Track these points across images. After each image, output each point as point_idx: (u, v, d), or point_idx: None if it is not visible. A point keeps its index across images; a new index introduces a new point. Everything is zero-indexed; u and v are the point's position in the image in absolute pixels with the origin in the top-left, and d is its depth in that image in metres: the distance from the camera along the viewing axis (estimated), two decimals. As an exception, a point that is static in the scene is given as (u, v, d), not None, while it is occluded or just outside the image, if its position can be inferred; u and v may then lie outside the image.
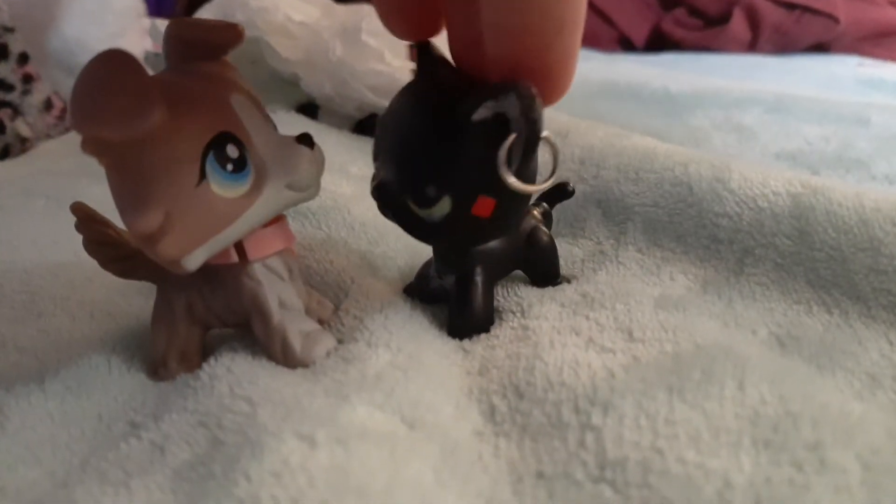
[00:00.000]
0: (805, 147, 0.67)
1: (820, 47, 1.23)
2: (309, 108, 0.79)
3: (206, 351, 0.35)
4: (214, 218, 0.29)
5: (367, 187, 0.56)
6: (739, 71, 1.06)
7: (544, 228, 0.40)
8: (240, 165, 0.29)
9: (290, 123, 0.74)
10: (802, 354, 0.34)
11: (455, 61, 0.32)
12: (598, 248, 0.46)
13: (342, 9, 0.83)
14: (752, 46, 1.25)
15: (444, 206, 0.31)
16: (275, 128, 0.32)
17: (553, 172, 0.32)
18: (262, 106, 0.32)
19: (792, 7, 1.23)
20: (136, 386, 0.33)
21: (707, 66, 1.10)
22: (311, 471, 0.24)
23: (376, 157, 0.34)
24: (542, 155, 0.33)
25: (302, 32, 0.77)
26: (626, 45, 1.34)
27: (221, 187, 0.29)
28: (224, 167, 0.29)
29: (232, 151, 0.29)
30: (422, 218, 0.32)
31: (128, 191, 0.28)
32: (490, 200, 0.32)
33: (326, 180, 0.56)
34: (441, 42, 0.32)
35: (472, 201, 0.32)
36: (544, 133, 0.31)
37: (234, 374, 0.31)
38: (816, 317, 0.37)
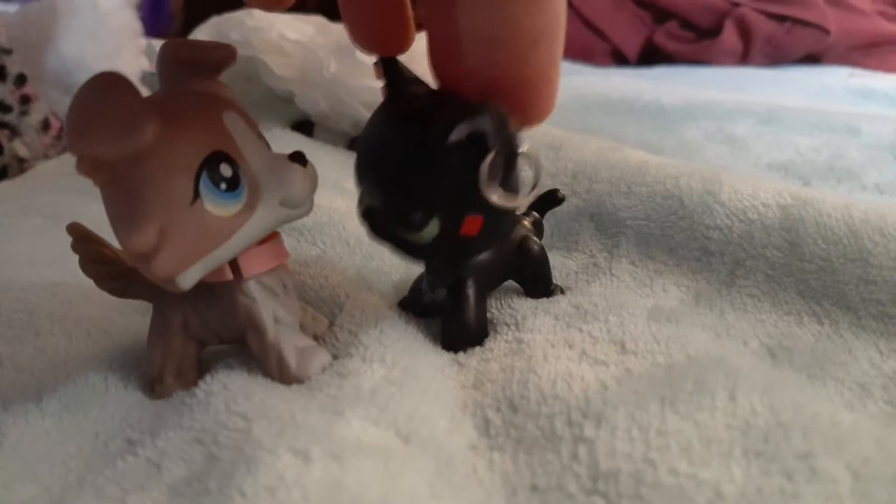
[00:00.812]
0: (796, 158, 0.67)
1: (811, 58, 1.23)
2: (304, 126, 0.80)
3: (203, 367, 0.35)
4: (208, 236, 0.29)
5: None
6: (731, 83, 1.07)
7: (535, 238, 0.40)
8: (233, 184, 0.29)
9: (286, 141, 0.75)
10: (793, 365, 0.35)
11: (435, 75, 0.32)
12: (592, 260, 0.46)
13: (337, 26, 0.83)
14: (744, 58, 1.26)
15: (432, 229, 0.32)
16: (268, 146, 0.32)
17: (535, 185, 0.33)
18: (255, 124, 0.32)
19: (783, 19, 1.24)
20: (133, 403, 0.33)
21: (699, 79, 1.11)
22: (305, 485, 0.24)
23: (360, 181, 0.34)
24: (524, 168, 0.33)
25: (297, 50, 0.78)
26: (619, 58, 1.34)
27: (215, 206, 0.29)
28: (218, 186, 0.29)
29: (225, 170, 0.29)
30: (411, 241, 0.33)
31: (122, 209, 0.28)
32: (477, 218, 0.32)
33: (321, 196, 0.56)
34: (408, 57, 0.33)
35: (460, 222, 0.32)
36: (523, 148, 0.31)
37: (229, 390, 0.32)
38: (807, 327, 0.38)
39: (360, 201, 0.34)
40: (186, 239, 0.29)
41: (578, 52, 1.33)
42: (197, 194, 0.28)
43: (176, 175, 0.28)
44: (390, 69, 0.34)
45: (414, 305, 0.40)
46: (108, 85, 0.26)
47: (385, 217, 0.33)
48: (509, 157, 0.31)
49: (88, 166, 0.27)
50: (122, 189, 0.28)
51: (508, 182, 0.32)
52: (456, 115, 0.30)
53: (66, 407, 0.33)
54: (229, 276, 0.32)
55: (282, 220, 0.32)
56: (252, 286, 0.33)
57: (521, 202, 0.33)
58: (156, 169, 0.27)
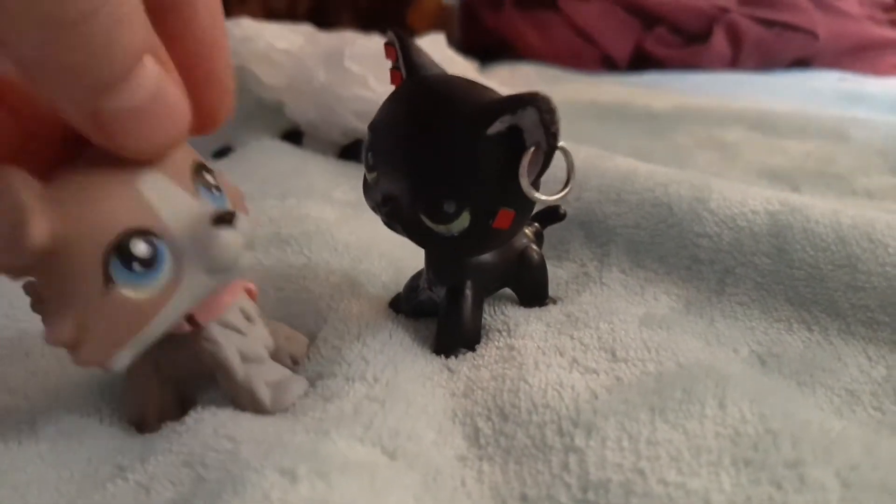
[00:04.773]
0: (786, 163, 0.67)
1: (801, 63, 1.24)
2: (294, 136, 0.80)
3: (191, 397, 0.35)
4: (129, 320, 0.27)
5: (351, 212, 0.57)
6: (722, 88, 1.07)
7: (536, 247, 0.40)
8: (150, 262, 0.27)
9: (275, 151, 0.74)
10: (783, 372, 0.35)
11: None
12: (582, 269, 0.46)
13: (325, 36, 0.83)
14: (734, 63, 1.26)
15: (463, 221, 0.31)
16: (215, 188, 0.30)
17: (569, 180, 0.32)
18: (193, 173, 0.29)
19: (771, 24, 1.25)
20: (124, 430, 0.33)
21: (689, 84, 1.11)
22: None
23: (373, 167, 0.34)
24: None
25: (285, 60, 0.78)
26: (609, 64, 1.35)
27: (132, 289, 0.26)
28: (130, 268, 0.26)
29: (139, 250, 0.26)
30: (435, 231, 0.32)
31: (37, 302, 0.27)
32: (510, 213, 0.32)
33: (310, 206, 0.57)
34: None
35: (494, 215, 0.32)
36: (560, 143, 0.30)
37: (217, 416, 0.31)
38: (797, 334, 0.38)
39: (373, 188, 0.33)
40: (106, 327, 0.27)
41: (568, 59, 1.33)
42: (110, 279, 0.26)
43: (82, 265, 0.26)
44: (404, 50, 0.33)
45: (407, 304, 0.40)
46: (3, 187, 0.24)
47: (408, 205, 0.32)
48: (549, 153, 0.30)
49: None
50: (34, 285, 0.27)
51: (540, 177, 0.32)
52: (497, 107, 0.30)
53: (60, 431, 0.32)
54: (186, 327, 0.31)
55: (212, 287, 0.29)
56: (212, 329, 0.32)
57: (558, 199, 0.32)
58: (59, 262, 0.25)
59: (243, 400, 0.33)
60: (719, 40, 1.26)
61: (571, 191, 0.32)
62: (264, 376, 0.33)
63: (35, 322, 0.42)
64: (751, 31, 1.25)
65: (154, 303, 0.27)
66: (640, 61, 1.33)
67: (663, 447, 0.27)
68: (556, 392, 0.31)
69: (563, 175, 0.32)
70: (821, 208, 0.41)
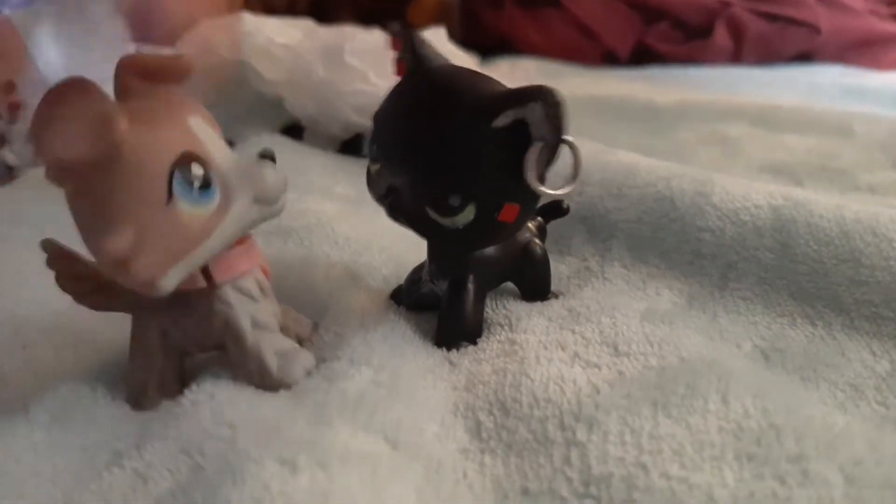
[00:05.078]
0: (789, 158, 0.67)
1: (803, 57, 1.23)
2: (294, 130, 0.79)
3: (188, 376, 0.35)
4: (185, 237, 0.29)
5: (351, 207, 0.56)
6: (724, 83, 1.06)
7: (539, 242, 0.40)
8: (206, 184, 0.29)
9: (276, 145, 0.74)
10: (786, 367, 0.35)
11: None
12: (584, 264, 0.46)
13: (324, 30, 0.83)
14: (736, 58, 1.26)
15: (468, 214, 0.31)
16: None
17: (576, 175, 0.32)
18: (218, 129, 0.32)
19: (774, 18, 1.24)
20: (120, 415, 0.33)
21: (691, 79, 1.11)
22: (291, 496, 0.24)
23: (376, 158, 0.33)
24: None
25: (285, 55, 0.78)
26: (611, 59, 1.34)
27: (190, 206, 0.29)
28: (191, 186, 0.28)
29: (197, 170, 0.29)
30: (439, 223, 0.32)
31: (94, 215, 0.28)
32: (515, 207, 0.32)
33: (310, 200, 0.56)
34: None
35: (499, 209, 0.31)
36: (567, 137, 0.30)
37: (215, 399, 0.31)
38: (800, 329, 0.37)
39: (377, 179, 0.33)
40: (163, 241, 0.28)
41: (569, 53, 1.33)
42: (171, 195, 0.28)
43: (149, 176, 0.28)
44: (411, 41, 0.33)
45: (409, 297, 0.40)
46: (75, 89, 0.26)
47: (412, 197, 0.32)
48: (555, 147, 0.30)
49: (57, 173, 0.27)
50: (94, 194, 0.27)
51: (546, 171, 0.31)
52: (503, 100, 0.30)
53: (55, 420, 0.32)
54: (202, 283, 0.32)
55: (257, 219, 0.32)
56: (227, 291, 0.33)
57: (563, 193, 0.32)
58: (127, 171, 0.27)
59: (250, 366, 0.33)
60: (721, 35, 1.26)
61: (570, 185, 0.32)
62: (273, 345, 0.34)
63: (33, 316, 0.42)
64: (753, 25, 1.24)
65: (207, 223, 0.29)
66: (642, 56, 1.32)
67: (666, 441, 0.27)
68: (557, 386, 0.31)
69: (566, 169, 0.32)
70: (824, 203, 0.41)
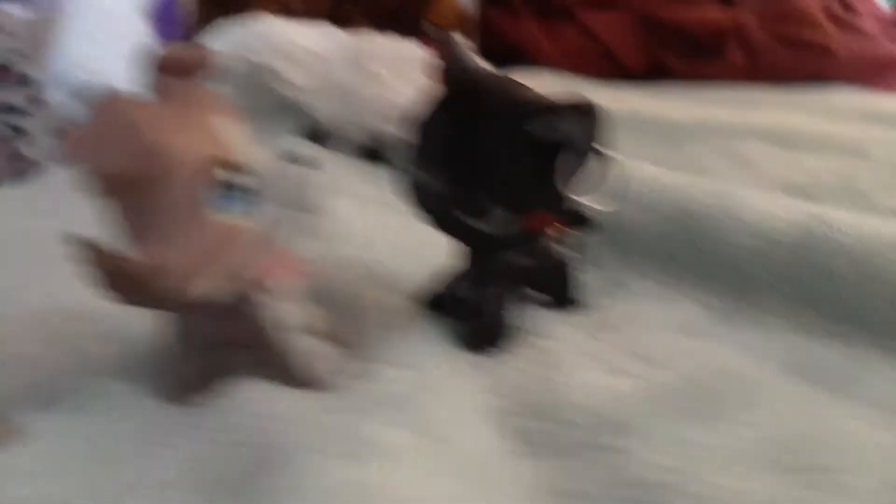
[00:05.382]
0: (808, 179, 0.67)
1: (817, 79, 1.23)
2: (317, 135, 0.80)
3: (221, 373, 0.35)
4: (220, 244, 0.29)
5: (377, 212, 0.57)
6: (737, 102, 1.06)
7: (566, 251, 0.40)
8: (234, 189, 0.29)
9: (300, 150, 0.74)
10: (814, 381, 0.35)
11: None
12: (609, 275, 0.46)
13: (350, 36, 0.83)
14: (749, 77, 1.26)
15: (499, 220, 0.32)
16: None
17: (606, 187, 0.33)
18: (246, 129, 0.32)
19: (788, 40, 1.25)
20: (156, 408, 0.33)
21: (705, 97, 1.11)
22: (347, 485, 0.25)
23: (413, 162, 0.34)
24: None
25: (310, 59, 0.78)
26: (624, 73, 1.34)
27: (223, 212, 0.29)
28: (222, 193, 0.29)
29: (227, 176, 0.29)
30: (473, 228, 0.32)
31: (131, 223, 0.28)
32: (544, 213, 0.32)
33: (336, 205, 0.57)
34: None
35: (530, 216, 0.32)
36: (603, 150, 0.31)
37: (256, 394, 0.32)
38: (828, 346, 0.38)
39: (413, 181, 0.34)
40: (200, 248, 0.29)
41: (583, 66, 1.33)
42: (204, 202, 0.28)
43: (181, 185, 0.28)
44: (450, 47, 0.34)
45: (443, 302, 0.40)
46: (112, 105, 0.26)
47: (446, 201, 0.32)
48: (586, 155, 0.31)
49: (98, 184, 0.27)
50: (130, 204, 0.28)
51: (579, 181, 0.32)
52: (538, 108, 0.30)
53: (91, 411, 0.33)
54: (237, 284, 0.32)
55: (286, 222, 0.32)
56: (264, 293, 0.33)
57: (595, 203, 0.33)
58: (160, 181, 0.27)
59: (283, 370, 0.33)
60: (734, 54, 1.26)
61: (601, 197, 0.33)
62: (304, 346, 0.34)
63: (63, 307, 0.42)
64: (766, 46, 1.25)
65: (237, 228, 0.30)
66: (655, 72, 1.33)
67: (703, 449, 0.27)
68: (592, 393, 0.32)
69: (597, 180, 0.32)
70: (851, 221, 0.41)
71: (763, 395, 0.30)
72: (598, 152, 0.30)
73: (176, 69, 0.30)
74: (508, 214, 0.32)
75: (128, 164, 0.26)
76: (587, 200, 0.32)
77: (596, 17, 1.38)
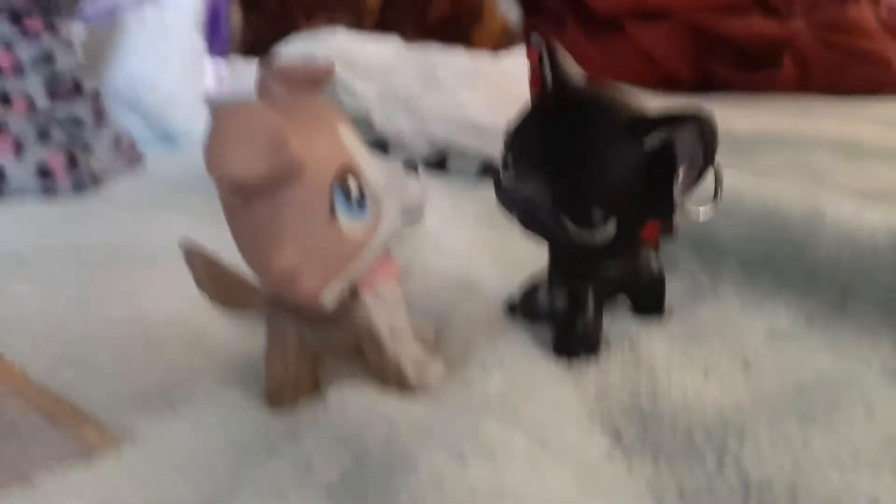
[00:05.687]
0: (879, 186, 0.66)
1: (872, 90, 1.22)
2: (380, 145, 0.81)
3: (324, 377, 0.36)
4: (345, 252, 0.30)
5: (449, 219, 0.57)
6: (793, 113, 1.06)
7: (656, 257, 0.40)
8: (361, 198, 0.30)
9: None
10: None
11: None
12: (695, 281, 0.46)
13: (416, 48, 0.84)
14: (802, 88, 1.25)
15: (609, 229, 0.32)
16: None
17: (717, 196, 0.33)
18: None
19: (842, 51, 1.24)
20: (262, 412, 0.34)
21: (760, 108, 1.11)
22: (467, 483, 0.25)
23: (512, 168, 0.34)
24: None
25: (376, 70, 0.79)
26: (673, 84, 1.34)
27: (348, 219, 0.29)
28: (349, 199, 0.29)
29: (353, 184, 0.29)
30: (573, 235, 0.32)
31: (262, 231, 0.29)
32: (656, 224, 0.32)
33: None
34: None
35: (641, 226, 0.32)
36: (715, 161, 0.31)
37: (362, 395, 0.32)
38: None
39: (509, 187, 0.34)
40: (325, 255, 0.29)
41: (631, 77, 1.32)
42: (333, 210, 0.29)
43: (314, 193, 0.28)
44: (552, 56, 0.34)
45: (525, 310, 0.40)
46: (249, 110, 0.27)
47: (550, 208, 0.33)
48: (703, 167, 0.31)
49: (229, 190, 0.28)
50: (260, 211, 0.28)
51: (692, 192, 0.32)
52: (657, 120, 0.31)
53: (201, 418, 0.33)
54: (346, 291, 0.32)
55: (402, 230, 0.33)
56: (368, 299, 0.33)
57: (706, 214, 0.33)
58: (294, 188, 0.28)
59: (389, 373, 0.34)
60: (788, 65, 1.25)
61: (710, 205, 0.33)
62: (409, 352, 0.34)
63: (160, 316, 0.43)
64: (820, 56, 1.24)
65: (363, 236, 0.30)
66: (703, 83, 1.33)
67: (820, 449, 0.27)
68: (694, 398, 0.32)
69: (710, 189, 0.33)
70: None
71: (876, 397, 0.30)
72: (712, 161, 0.31)
73: (302, 81, 0.31)
74: (620, 225, 0.32)
75: (269, 171, 0.26)
76: (700, 210, 0.32)
77: (644, 29, 1.38)
